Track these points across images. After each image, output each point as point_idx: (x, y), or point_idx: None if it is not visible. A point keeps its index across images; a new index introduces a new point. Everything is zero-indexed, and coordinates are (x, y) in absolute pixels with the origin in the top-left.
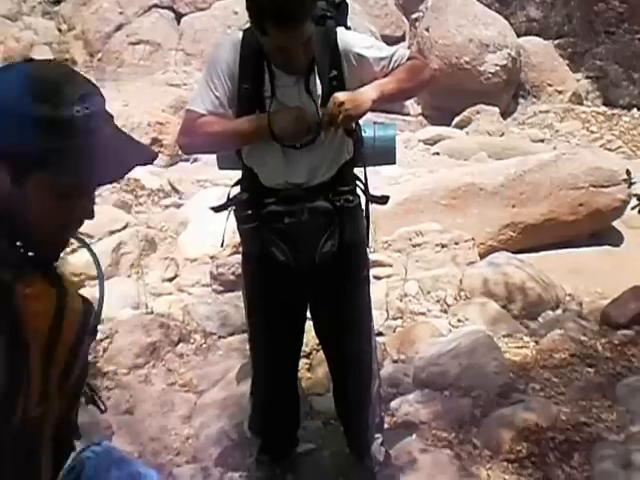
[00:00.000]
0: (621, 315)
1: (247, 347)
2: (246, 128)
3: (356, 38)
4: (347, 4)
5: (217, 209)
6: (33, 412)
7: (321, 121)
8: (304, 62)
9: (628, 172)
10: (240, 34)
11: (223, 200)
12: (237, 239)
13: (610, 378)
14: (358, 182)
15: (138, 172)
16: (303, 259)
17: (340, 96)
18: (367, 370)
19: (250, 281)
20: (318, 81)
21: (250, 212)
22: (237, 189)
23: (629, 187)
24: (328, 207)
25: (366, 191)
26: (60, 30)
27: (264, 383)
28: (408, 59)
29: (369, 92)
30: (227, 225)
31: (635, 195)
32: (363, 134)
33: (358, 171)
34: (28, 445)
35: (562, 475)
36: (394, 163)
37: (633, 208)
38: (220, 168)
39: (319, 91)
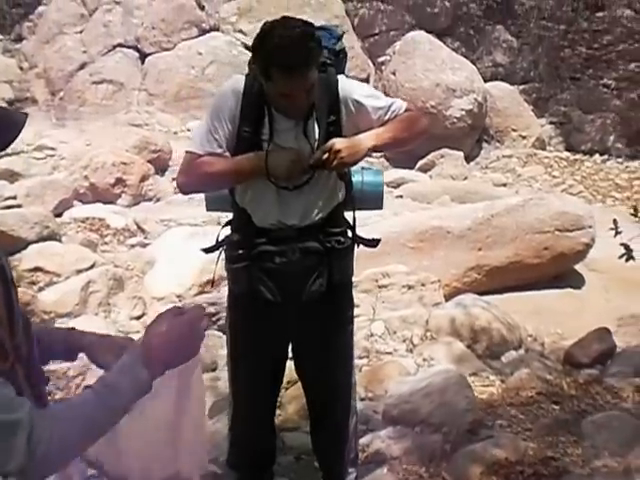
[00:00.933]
0: (584, 355)
1: (218, 384)
2: (243, 166)
3: (356, 86)
4: (346, 53)
5: (208, 250)
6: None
7: (312, 162)
8: (305, 108)
9: (615, 222)
10: (242, 79)
11: (194, 239)
12: (203, 279)
13: (575, 415)
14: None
15: (102, 212)
16: (291, 297)
17: (338, 143)
18: (347, 407)
19: (237, 319)
20: (316, 125)
21: (241, 252)
22: (227, 230)
23: (615, 236)
24: (319, 248)
25: (354, 233)
26: (21, 68)
27: (244, 419)
28: (405, 111)
29: (366, 141)
30: (217, 265)
31: (622, 244)
32: (352, 178)
33: (347, 214)
34: None
35: None
36: (381, 208)
37: (620, 257)
38: (208, 209)
39: (316, 135)
